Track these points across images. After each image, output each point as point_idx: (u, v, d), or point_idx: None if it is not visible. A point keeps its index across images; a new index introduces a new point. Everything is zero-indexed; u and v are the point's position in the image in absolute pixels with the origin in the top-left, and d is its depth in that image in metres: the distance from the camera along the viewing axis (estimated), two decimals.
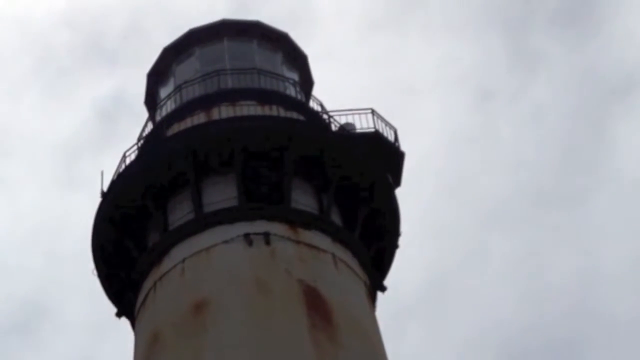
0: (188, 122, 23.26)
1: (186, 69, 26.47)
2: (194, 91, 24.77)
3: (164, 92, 26.65)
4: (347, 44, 52.94)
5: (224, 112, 23.03)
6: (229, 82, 24.79)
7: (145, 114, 27.25)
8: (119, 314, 22.27)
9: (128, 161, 22.78)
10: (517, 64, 56.74)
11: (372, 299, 21.25)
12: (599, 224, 51.19)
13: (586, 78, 54.61)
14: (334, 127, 23.71)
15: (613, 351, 47.22)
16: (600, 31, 55.98)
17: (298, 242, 19.89)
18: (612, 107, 53.97)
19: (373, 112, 23.88)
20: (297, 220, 20.41)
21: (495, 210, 51.24)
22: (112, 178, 22.59)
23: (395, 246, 22.83)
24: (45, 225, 52.12)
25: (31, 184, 52.20)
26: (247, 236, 19.64)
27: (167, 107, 25.23)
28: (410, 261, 41.59)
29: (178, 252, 20.08)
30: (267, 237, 19.65)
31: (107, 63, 57.26)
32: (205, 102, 23.98)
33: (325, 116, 24.47)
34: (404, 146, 23.83)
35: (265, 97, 24.15)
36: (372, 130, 23.46)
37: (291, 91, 25.53)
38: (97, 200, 22.45)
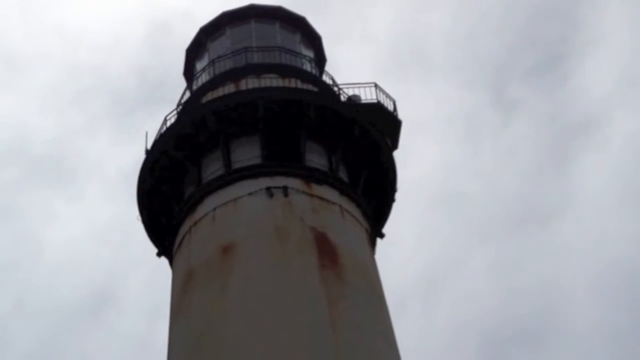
0: (220, 91, 23.14)
1: (219, 46, 26.31)
2: (225, 65, 24.63)
3: (199, 65, 26.52)
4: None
5: (250, 83, 22.96)
6: (255, 58, 24.63)
7: (184, 85, 27.05)
8: (159, 254, 22.20)
9: (168, 124, 22.63)
10: (499, 106, 58.35)
11: (372, 244, 21.20)
12: (564, 240, 52.45)
13: (554, 118, 56.33)
14: (342, 98, 23.50)
15: (570, 340, 48.91)
16: (566, 82, 57.78)
17: (311, 195, 19.79)
18: (574, 142, 55.79)
19: (376, 85, 23.86)
20: (311, 176, 20.31)
21: (480, 224, 52.43)
22: (155, 138, 22.45)
23: (392, 200, 22.68)
24: (114, 228, 52.50)
25: (104, 199, 53.89)
26: (268, 189, 19.56)
27: (202, 78, 25.13)
28: (405, 262, 43.85)
29: (210, 202, 20.00)
30: (285, 190, 19.57)
31: (166, 103, 57.55)
32: (234, 74, 23.83)
33: (335, 88, 24.27)
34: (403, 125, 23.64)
35: (285, 71, 24.02)
36: (375, 101, 23.33)
37: (307, 67, 25.34)
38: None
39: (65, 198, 56.42)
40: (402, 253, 43.44)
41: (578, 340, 48.85)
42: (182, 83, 27.18)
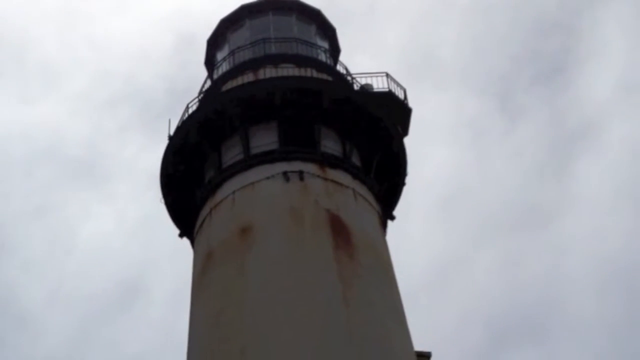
0: (239, 80, 23.07)
1: (238, 37, 26.27)
2: (245, 55, 24.58)
3: (220, 55, 26.48)
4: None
5: (268, 72, 22.92)
6: (273, 49, 24.59)
7: (205, 74, 27.03)
8: (181, 235, 22.27)
9: (190, 111, 22.62)
10: (505, 112, 59.83)
11: (383, 226, 21.20)
12: (565, 237, 53.60)
13: (556, 123, 57.52)
14: (355, 87, 23.45)
15: (570, 328, 49.71)
16: (567, 90, 59.11)
17: (326, 179, 19.77)
18: (575, 146, 57.17)
19: (387, 75, 23.75)
20: (325, 161, 20.29)
21: (486, 221, 53.32)
22: (177, 124, 22.45)
23: (402, 183, 22.65)
24: (142, 224, 53.38)
25: (133, 198, 54.59)
26: (285, 174, 19.55)
27: (223, 68, 25.06)
28: (414, 254, 44.14)
29: (229, 186, 20.01)
30: (301, 174, 19.56)
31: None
32: (253, 64, 23.79)
33: (349, 78, 24.21)
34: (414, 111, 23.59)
35: (301, 61, 23.96)
36: (386, 89, 23.26)
37: (322, 57, 25.24)
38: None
39: (97, 197, 57.49)
40: (412, 246, 44.22)
41: (578, 329, 49.79)
42: None
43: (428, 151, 50.20)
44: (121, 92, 59.17)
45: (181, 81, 57.55)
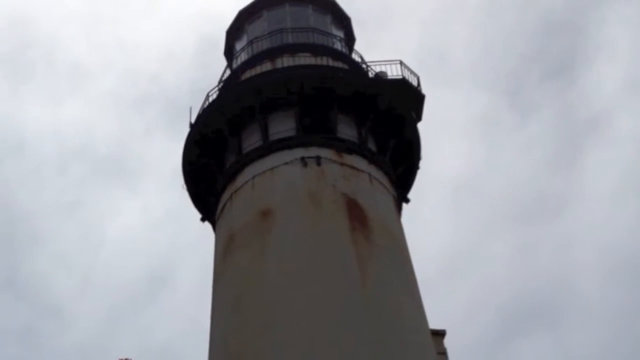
0: (258, 69, 23.13)
1: (256, 27, 26.25)
2: (262, 45, 24.57)
3: (238, 45, 26.46)
4: None
5: (285, 61, 22.87)
6: (290, 38, 24.56)
7: (224, 63, 27.05)
8: (202, 220, 22.34)
9: (210, 99, 22.67)
10: (516, 108, 60.08)
11: (398, 209, 21.21)
12: (574, 227, 54.39)
13: (565, 118, 58.25)
14: (370, 74, 23.40)
15: (577, 313, 50.62)
16: (576, 85, 59.83)
17: (342, 164, 19.79)
18: (583, 140, 57.85)
19: (401, 62, 23.62)
20: (342, 147, 20.28)
21: (498, 212, 54.22)
22: (198, 112, 22.50)
23: (417, 167, 22.63)
24: (168, 218, 54.63)
25: (159, 193, 55.62)
26: (302, 159, 19.59)
27: (241, 58, 25.05)
28: (429, 242, 45.05)
29: (249, 171, 20.06)
30: (318, 160, 19.58)
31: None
32: (271, 53, 23.78)
33: (364, 66, 24.17)
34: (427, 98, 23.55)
35: (318, 50, 23.93)
36: (400, 77, 23.18)
37: (338, 46, 25.23)
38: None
39: (125, 193, 58.46)
40: (424, 233, 44.43)
41: (585, 313, 50.34)
42: None
43: (440, 145, 50.95)
44: (147, 92, 60.13)
45: (204, 80, 58.21)
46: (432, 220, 48.00)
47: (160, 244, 54.57)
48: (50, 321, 52.20)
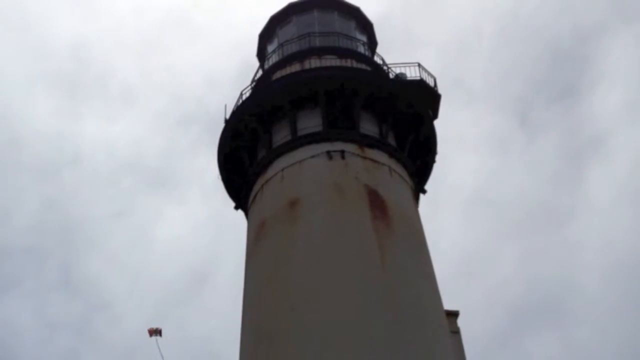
0: (287, 70, 23.34)
1: (286, 31, 26.44)
2: (292, 48, 24.75)
3: (270, 48, 26.67)
4: None
5: (313, 63, 23.11)
6: (317, 42, 24.70)
7: (257, 65, 27.27)
8: (236, 208, 22.50)
9: (244, 97, 22.86)
10: (525, 127, 61.36)
11: (416, 199, 21.29)
12: (579, 236, 55.53)
13: (569, 137, 59.53)
14: (391, 75, 23.50)
15: (582, 311, 51.39)
16: (579, 107, 61.09)
17: (364, 158, 19.89)
18: (587, 156, 58.84)
19: (419, 65, 23.63)
20: (364, 141, 20.39)
21: (508, 222, 55.28)
22: (232, 109, 22.69)
23: (433, 161, 22.72)
24: (210, 225, 55.46)
25: (202, 203, 56.93)
26: (328, 153, 19.72)
27: (272, 59, 25.24)
28: (444, 248, 44.35)
29: (279, 164, 20.21)
30: (342, 153, 19.70)
31: None
32: (299, 56, 23.98)
33: (385, 67, 24.27)
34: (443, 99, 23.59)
35: (343, 53, 24.07)
36: (418, 78, 23.24)
37: (361, 49, 25.34)
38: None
39: (171, 201, 59.95)
40: (442, 239, 45.10)
41: (588, 311, 50.94)
42: None
43: (456, 159, 51.65)
44: (192, 113, 61.46)
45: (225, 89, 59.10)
46: (447, 226, 49.21)
47: (202, 248, 56.20)
48: (103, 315, 53.99)
